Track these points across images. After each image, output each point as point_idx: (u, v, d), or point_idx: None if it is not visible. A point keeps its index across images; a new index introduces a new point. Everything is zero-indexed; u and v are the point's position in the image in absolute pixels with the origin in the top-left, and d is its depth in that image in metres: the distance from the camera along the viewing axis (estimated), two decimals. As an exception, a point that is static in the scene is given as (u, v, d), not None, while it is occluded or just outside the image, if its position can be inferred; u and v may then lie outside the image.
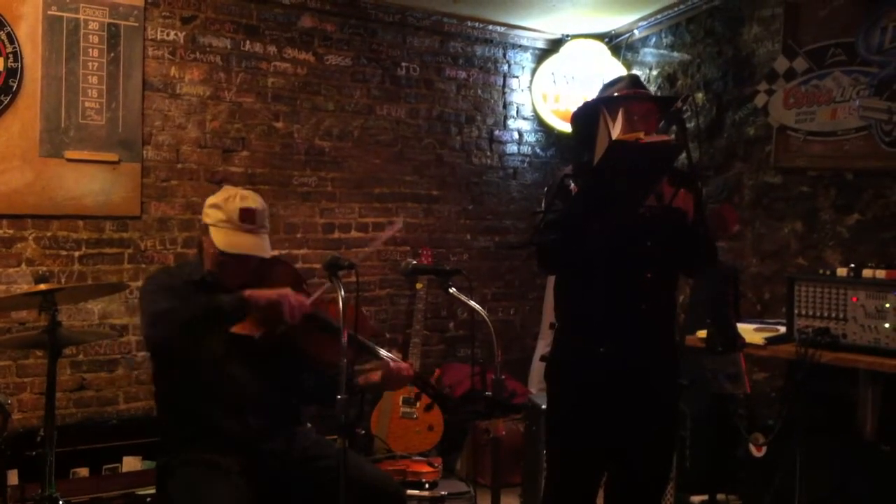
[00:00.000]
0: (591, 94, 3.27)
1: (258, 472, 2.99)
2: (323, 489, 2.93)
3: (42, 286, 3.53)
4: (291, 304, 2.83)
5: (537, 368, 5.84)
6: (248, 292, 2.87)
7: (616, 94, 3.04)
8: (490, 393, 2.93)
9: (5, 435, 3.88)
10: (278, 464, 3.05)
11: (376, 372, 3.19)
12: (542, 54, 6.39)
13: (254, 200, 3.09)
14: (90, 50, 4.72)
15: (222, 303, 2.88)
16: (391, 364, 3.12)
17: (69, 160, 4.66)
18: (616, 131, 2.88)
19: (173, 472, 3.02)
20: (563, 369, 3.17)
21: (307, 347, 2.97)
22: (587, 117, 3.07)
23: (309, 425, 3.34)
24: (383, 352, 3.15)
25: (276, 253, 3.30)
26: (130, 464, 4.60)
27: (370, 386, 3.23)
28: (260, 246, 3.06)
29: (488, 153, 6.23)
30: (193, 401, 3.03)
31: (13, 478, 4.27)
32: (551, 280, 5.14)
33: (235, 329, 2.89)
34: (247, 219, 3.03)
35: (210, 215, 3.06)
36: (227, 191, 3.13)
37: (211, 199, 3.11)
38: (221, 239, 3.00)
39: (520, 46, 6.32)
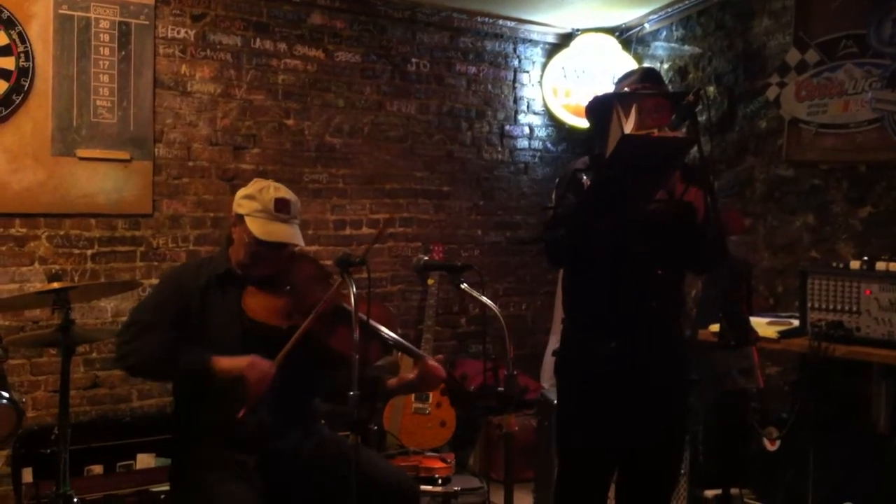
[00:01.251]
0: (602, 88, 3.28)
1: (272, 469, 3.00)
2: (336, 485, 2.93)
3: (55, 284, 3.54)
4: (257, 378, 2.85)
5: (549, 364, 5.84)
6: (214, 360, 2.91)
7: (627, 89, 3.04)
8: (502, 388, 2.93)
9: (20, 433, 3.89)
10: (292, 461, 3.06)
11: (409, 373, 3.19)
12: (553, 49, 6.37)
13: (286, 192, 3.16)
14: (101, 48, 4.73)
15: (185, 364, 2.94)
16: (428, 363, 3.10)
17: (81, 159, 4.68)
18: (629, 126, 2.88)
19: (187, 469, 3.03)
20: (573, 365, 3.17)
21: (331, 342, 2.96)
22: (601, 111, 3.07)
23: (322, 422, 3.33)
24: (424, 353, 3.14)
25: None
26: (144, 461, 4.61)
27: (403, 386, 3.21)
28: (295, 235, 3.13)
29: (499, 148, 6.22)
30: (208, 398, 3.03)
31: (28, 476, 4.30)
32: (562, 275, 5.14)
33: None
34: (282, 209, 3.10)
35: (244, 206, 3.09)
36: (260, 182, 3.17)
37: (244, 191, 3.15)
38: (258, 228, 3.04)
39: (530, 41, 6.31)
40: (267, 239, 3.04)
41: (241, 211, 3.09)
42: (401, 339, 3.10)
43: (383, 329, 3.01)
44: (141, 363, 3.01)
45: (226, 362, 2.90)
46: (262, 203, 3.07)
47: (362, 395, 2.60)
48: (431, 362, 3.10)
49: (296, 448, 3.08)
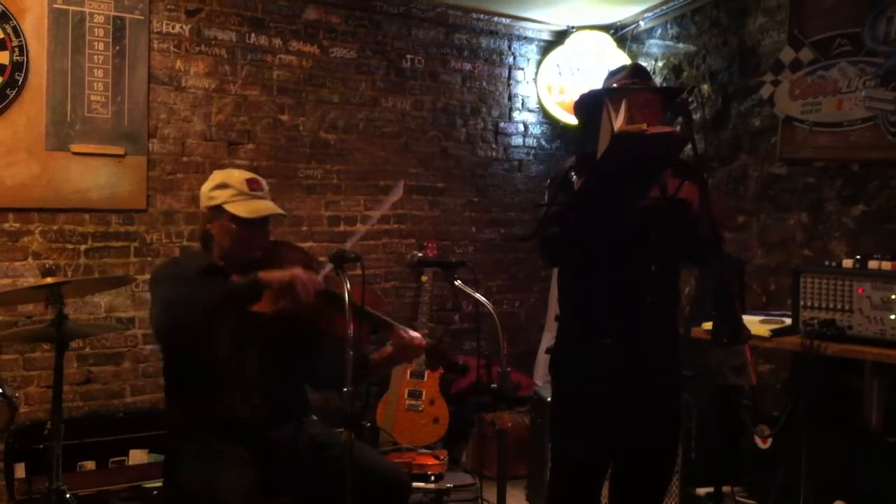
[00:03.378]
0: (597, 85, 3.26)
1: (266, 461, 3.01)
2: (330, 478, 2.94)
3: (48, 279, 3.54)
4: (304, 282, 2.84)
5: (542, 361, 5.85)
6: (261, 273, 2.87)
7: (615, 84, 3.04)
8: (496, 385, 2.93)
9: (12, 428, 3.90)
10: (286, 452, 3.06)
11: (387, 347, 3.19)
12: (548, 46, 6.38)
13: (250, 172, 3.24)
14: (95, 43, 4.72)
15: (237, 285, 2.90)
16: (402, 333, 3.11)
17: (75, 153, 4.67)
18: (619, 122, 2.87)
19: (181, 461, 3.03)
20: (567, 362, 3.17)
21: (321, 324, 2.97)
22: (590, 107, 3.06)
23: (315, 417, 3.34)
24: (396, 323, 3.15)
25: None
26: (137, 457, 4.61)
27: (385, 360, 3.21)
28: (275, 207, 3.19)
29: (493, 145, 6.22)
30: (202, 389, 3.05)
31: (20, 471, 4.30)
32: (556, 272, 5.14)
33: (254, 308, 2.90)
34: (255, 187, 3.16)
35: (219, 196, 3.12)
36: (220, 173, 3.23)
37: (209, 185, 3.17)
38: (242, 209, 3.07)
39: (525, 38, 6.31)
40: (254, 216, 3.08)
41: (216, 202, 3.11)
42: (375, 313, 3.08)
43: (366, 308, 3.00)
44: (190, 314, 2.89)
45: (272, 274, 2.86)
46: (235, 187, 3.11)
47: (356, 375, 2.60)
48: (405, 332, 3.12)
49: (290, 439, 3.09)
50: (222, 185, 3.12)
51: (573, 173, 2.97)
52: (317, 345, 3.12)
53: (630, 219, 2.89)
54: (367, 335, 3.09)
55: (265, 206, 3.13)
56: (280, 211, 3.20)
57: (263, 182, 3.21)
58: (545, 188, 3.37)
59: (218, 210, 3.11)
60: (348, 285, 2.69)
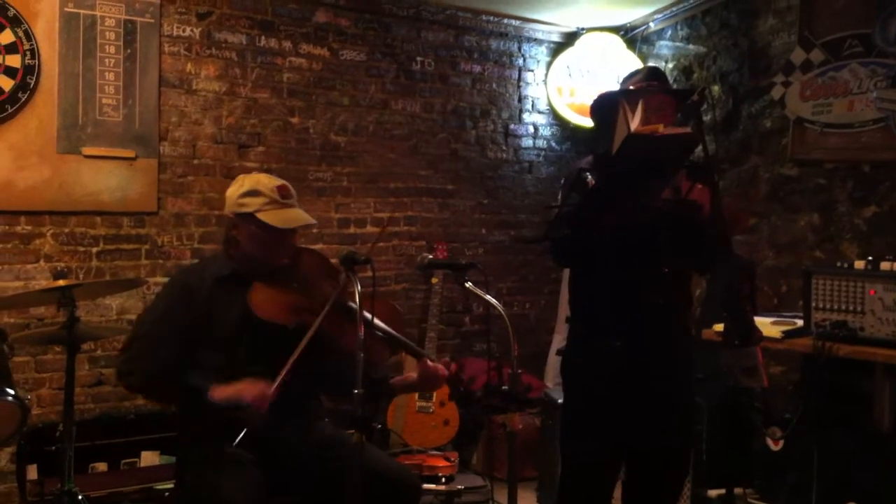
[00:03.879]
0: (607, 87, 3.28)
1: (277, 465, 3.01)
2: (339, 480, 2.94)
3: (60, 282, 3.55)
4: (255, 398, 2.81)
5: (553, 362, 5.84)
6: (213, 390, 2.87)
7: (632, 87, 3.05)
8: (506, 387, 2.93)
9: (24, 430, 3.90)
10: (295, 456, 3.06)
11: (412, 373, 3.19)
12: (558, 48, 6.37)
13: (277, 178, 3.18)
14: (107, 46, 4.74)
15: (193, 390, 2.92)
16: (429, 363, 3.10)
17: (86, 156, 4.68)
18: (635, 122, 2.88)
19: (191, 466, 3.04)
20: (578, 364, 3.17)
21: (341, 342, 2.95)
22: (605, 109, 3.07)
23: (326, 420, 3.34)
24: (424, 353, 3.15)
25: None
26: (148, 458, 4.62)
27: (405, 386, 3.22)
28: (307, 216, 3.17)
29: (503, 147, 6.22)
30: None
31: (32, 472, 4.30)
32: (567, 274, 5.14)
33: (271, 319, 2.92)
34: (286, 194, 3.12)
35: (250, 204, 3.07)
36: (248, 178, 3.16)
37: (238, 190, 3.11)
38: (275, 218, 3.04)
39: (535, 40, 6.31)
40: (289, 226, 3.07)
41: (247, 210, 3.06)
42: (403, 339, 3.09)
43: (386, 328, 3.01)
44: (142, 384, 3.02)
45: (222, 391, 2.87)
46: (267, 195, 3.06)
47: (367, 394, 2.60)
48: (432, 363, 3.10)
49: (300, 443, 3.09)
50: (253, 193, 3.07)
51: (587, 173, 2.97)
52: (339, 359, 3.08)
53: (642, 220, 2.89)
54: (382, 356, 3.09)
55: (298, 216, 3.12)
56: (312, 220, 3.18)
57: (292, 188, 3.17)
58: (555, 190, 3.38)
59: (248, 218, 3.07)
60: (359, 287, 2.69)
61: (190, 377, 2.93)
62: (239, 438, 2.80)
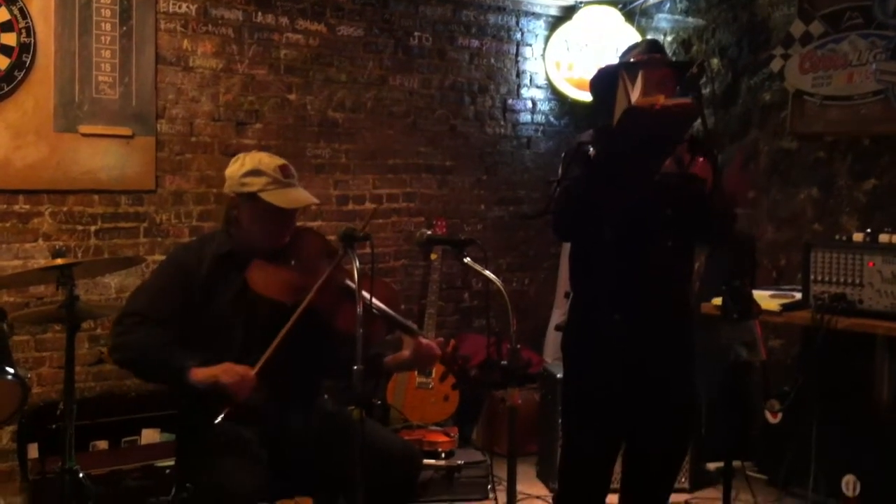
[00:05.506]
0: (605, 61, 3.26)
1: (277, 444, 3.02)
2: (341, 457, 2.95)
3: (59, 261, 3.53)
4: (234, 382, 2.82)
5: (552, 338, 5.85)
6: (193, 372, 2.87)
7: (633, 59, 3.03)
8: (506, 362, 2.93)
9: (25, 409, 3.91)
10: (297, 435, 3.07)
11: (405, 351, 3.19)
12: (556, 22, 6.33)
13: (276, 157, 3.16)
14: (103, 24, 4.71)
15: (167, 375, 2.96)
16: (422, 342, 3.10)
17: (83, 135, 4.66)
18: (636, 94, 2.87)
19: (192, 444, 3.05)
20: (578, 339, 3.17)
21: (336, 321, 2.95)
22: (605, 82, 3.06)
23: (326, 397, 3.34)
24: (415, 328, 3.15)
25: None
26: (149, 436, 4.63)
27: (399, 364, 3.23)
28: (310, 196, 3.19)
29: (502, 123, 6.20)
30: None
31: (33, 451, 4.32)
32: (566, 249, 5.14)
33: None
34: (288, 174, 3.11)
35: (253, 183, 3.04)
36: (249, 157, 3.13)
37: (239, 170, 3.08)
38: (279, 198, 3.03)
39: (533, 14, 6.27)
40: (292, 206, 3.08)
41: (249, 189, 3.04)
42: (397, 316, 3.09)
43: (381, 305, 3.01)
44: (128, 360, 3.02)
45: (201, 373, 2.87)
46: (270, 175, 3.04)
47: (366, 370, 2.61)
48: (425, 341, 3.10)
49: (300, 422, 3.09)
50: (256, 172, 3.04)
51: (589, 146, 2.95)
52: (336, 338, 3.07)
53: (645, 194, 2.88)
54: (379, 333, 3.09)
55: (302, 196, 3.12)
56: (315, 200, 3.20)
57: (293, 168, 3.16)
58: (554, 165, 3.36)
59: (250, 197, 3.04)
60: (357, 263, 2.69)
61: (170, 357, 2.92)
62: (220, 418, 2.80)
